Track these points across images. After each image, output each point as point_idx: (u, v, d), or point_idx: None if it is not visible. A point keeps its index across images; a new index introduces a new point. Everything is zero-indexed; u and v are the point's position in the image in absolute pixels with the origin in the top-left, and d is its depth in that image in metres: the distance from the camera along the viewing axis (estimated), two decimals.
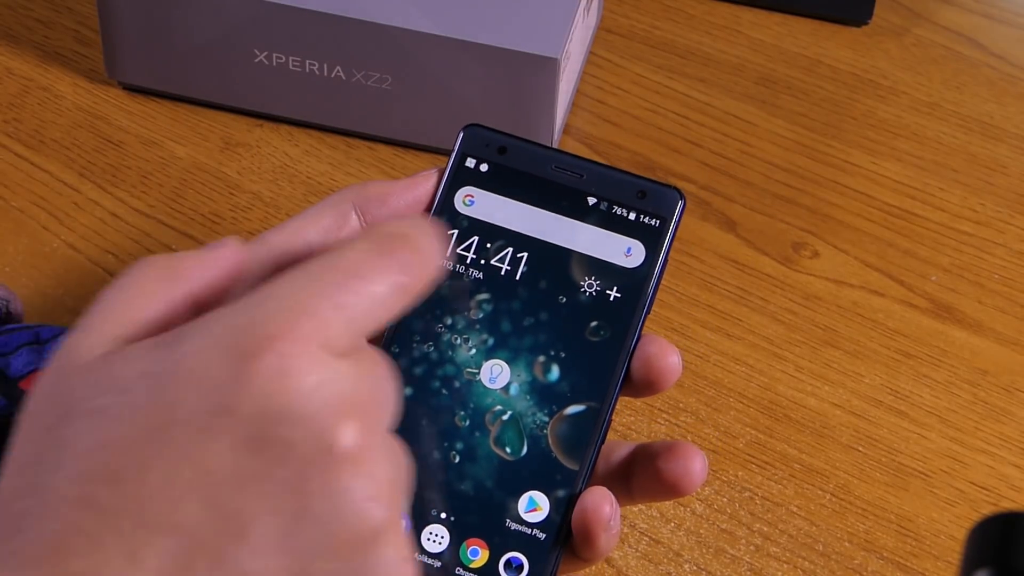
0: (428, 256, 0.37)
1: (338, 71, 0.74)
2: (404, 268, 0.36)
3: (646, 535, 0.60)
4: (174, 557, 0.32)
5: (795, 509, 0.62)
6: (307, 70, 0.75)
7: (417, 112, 0.75)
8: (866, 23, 0.87)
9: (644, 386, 0.44)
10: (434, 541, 0.43)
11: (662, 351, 0.44)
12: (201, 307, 0.37)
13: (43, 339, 0.51)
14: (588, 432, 0.43)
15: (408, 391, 0.44)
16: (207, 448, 0.33)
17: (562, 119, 0.76)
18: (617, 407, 0.44)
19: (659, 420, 0.65)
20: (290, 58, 0.74)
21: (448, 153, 0.46)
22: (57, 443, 0.34)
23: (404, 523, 0.36)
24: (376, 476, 0.34)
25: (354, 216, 0.44)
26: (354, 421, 0.34)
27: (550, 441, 0.43)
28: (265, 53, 0.75)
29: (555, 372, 0.43)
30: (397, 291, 0.36)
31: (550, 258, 0.44)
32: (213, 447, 0.33)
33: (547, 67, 0.71)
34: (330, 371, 0.34)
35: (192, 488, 0.33)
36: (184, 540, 0.33)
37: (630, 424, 0.64)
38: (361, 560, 0.34)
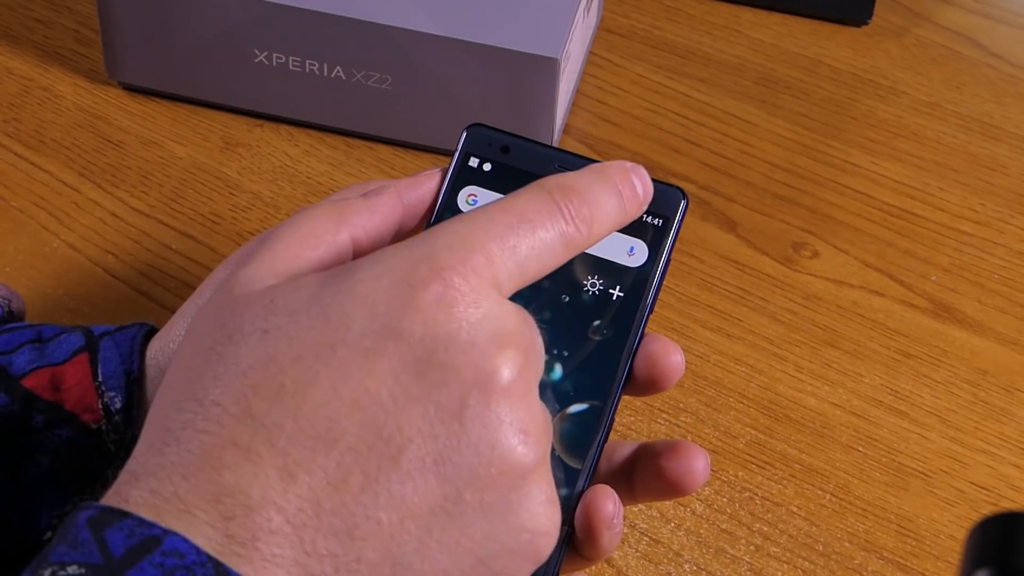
0: (599, 208, 0.38)
1: (338, 71, 0.74)
2: (571, 219, 0.37)
3: (646, 535, 0.60)
4: (326, 474, 0.33)
5: (795, 509, 0.62)
6: (307, 70, 0.75)
7: (417, 112, 0.75)
8: (866, 23, 0.87)
9: (647, 385, 0.44)
10: None
11: (665, 350, 0.44)
12: (361, 252, 0.38)
13: (45, 338, 0.51)
14: (591, 431, 0.43)
15: None
16: (372, 369, 0.34)
17: (562, 119, 0.76)
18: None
19: (659, 420, 0.65)
20: (290, 58, 0.74)
21: (449, 152, 0.46)
22: (221, 360, 0.34)
23: (550, 469, 0.36)
24: (531, 414, 0.35)
25: None
26: (516, 357, 0.35)
27: (553, 440, 0.43)
28: (265, 53, 0.75)
29: (558, 371, 0.43)
30: (564, 240, 0.37)
31: None
32: (377, 368, 0.34)
33: (547, 67, 0.71)
34: (497, 307, 0.35)
35: (353, 407, 0.33)
36: (338, 458, 0.33)
37: (630, 424, 0.65)
38: (509, 495, 0.35)
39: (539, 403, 0.36)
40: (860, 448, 0.64)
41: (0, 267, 0.70)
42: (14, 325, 0.57)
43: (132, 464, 0.34)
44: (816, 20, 0.87)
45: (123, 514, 0.32)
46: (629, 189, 0.40)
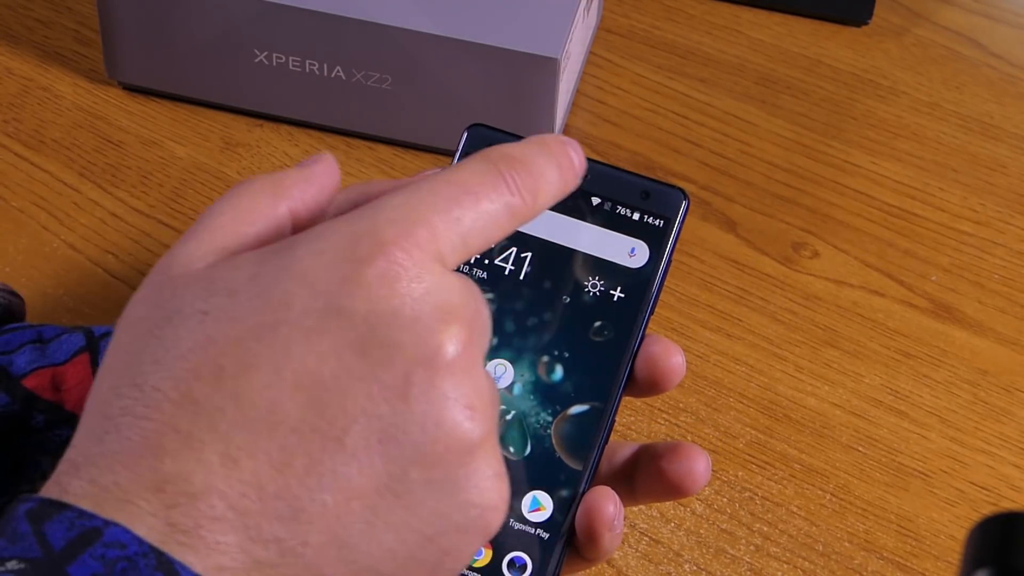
0: (543, 178, 0.37)
1: (338, 71, 0.74)
2: (516, 190, 0.37)
3: (646, 535, 0.60)
4: (270, 458, 0.32)
5: (795, 509, 0.62)
6: (307, 70, 0.75)
7: (417, 112, 0.75)
8: (866, 23, 0.87)
9: (648, 386, 0.44)
10: None
11: (666, 351, 0.44)
12: (300, 225, 0.37)
13: (46, 338, 0.51)
14: (592, 432, 0.43)
15: None
16: (313, 348, 0.33)
17: (562, 119, 0.76)
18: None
19: (659, 420, 0.65)
20: (290, 58, 0.74)
21: (449, 152, 0.46)
22: (160, 343, 0.33)
23: (498, 444, 0.36)
24: (477, 389, 0.34)
25: None
26: (460, 330, 0.34)
27: (554, 441, 0.43)
28: (265, 53, 0.75)
29: (559, 372, 0.43)
30: (509, 210, 0.36)
31: (554, 258, 0.44)
32: (320, 347, 0.33)
33: (547, 67, 0.71)
34: (442, 280, 0.34)
35: (295, 388, 0.33)
36: (281, 441, 0.32)
37: (630, 424, 0.65)
38: (456, 471, 0.34)
39: (485, 376, 0.35)
40: (860, 448, 0.64)
41: (0, 267, 0.70)
42: (15, 325, 0.57)
43: (72, 453, 0.33)
44: (816, 20, 0.87)
45: (63, 506, 0.31)
46: (567, 160, 0.38)
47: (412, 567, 0.34)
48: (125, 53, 0.77)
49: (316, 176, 0.38)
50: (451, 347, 0.34)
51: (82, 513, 0.31)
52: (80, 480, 0.32)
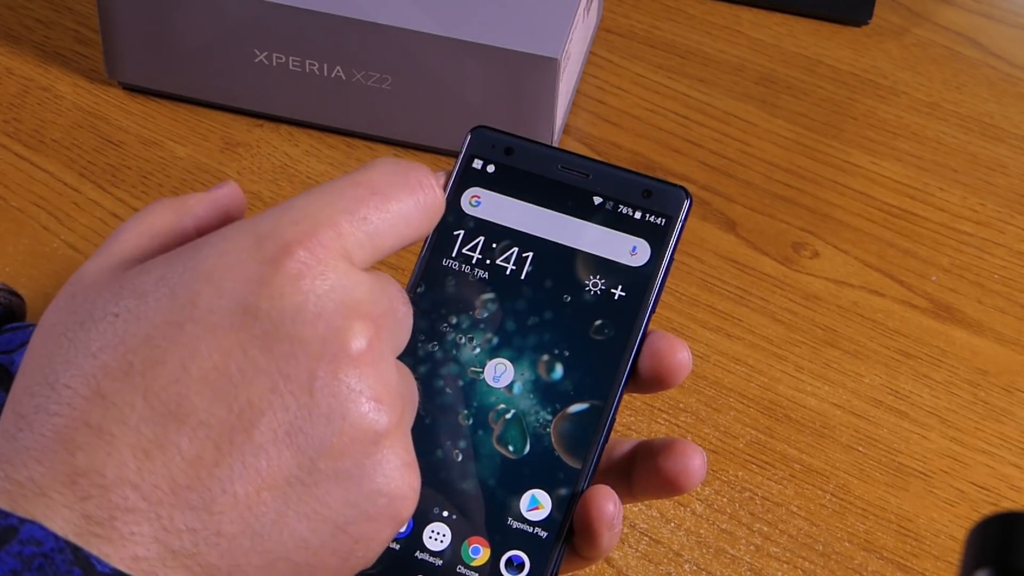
0: (440, 188, 0.39)
1: (338, 71, 0.74)
2: (421, 191, 0.38)
3: (646, 535, 0.60)
4: (180, 451, 0.33)
5: (795, 509, 0.62)
6: (307, 70, 0.75)
7: (417, 112, 0.75)
8: (866, 23, 0.87)
9: (653, 382, 0.44)
10: (436, 539, 0.43)
11: (671, 347, 0.44)
12: None
13: None
14: (591, 431, 0.43)
15: None
16: (219, 344, 0.34)
17: (562, 119, 0.76)
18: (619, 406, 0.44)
19: (659, 420, 0.65)
20: (290, 58, 0.74)
21: (449, 152, 0.47)
22: (72, 344, 0.34)
23: (408, 434, 0.37)
24: (383, 381, 0.35)
25: None
26: (366, 326, 0.35)
27: (553, 440, 0.43)
28: (265, 53, 0.75)
29: (559, 371, 0.43)
30: (419, 209, 0.38)
31: (555, 257, 0.44)
32: (225, 343, 0.34)
33: (547, 67, 0.71)
34: (346, 278, 0.35)
35: (202, 383, 0.33)
36: (190, 434, 0.33)
37: (630, 424, 0.65)
38: (363, 460, 0.35)
39: (395, 370, 0.36)
40: (860, 448, 0.64)
41: (0, 267, 0.70)
42: (15, 325, 0.57)
43: None
44: (816, 20, 0.87)
45: None
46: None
47: (325, 556, 0.35)
48: (125, 53, 0.77)
49: (220, 198, 0.40)
50: (356, 342, 0.35)
51: None
52: None
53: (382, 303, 0.36)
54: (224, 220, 0.39)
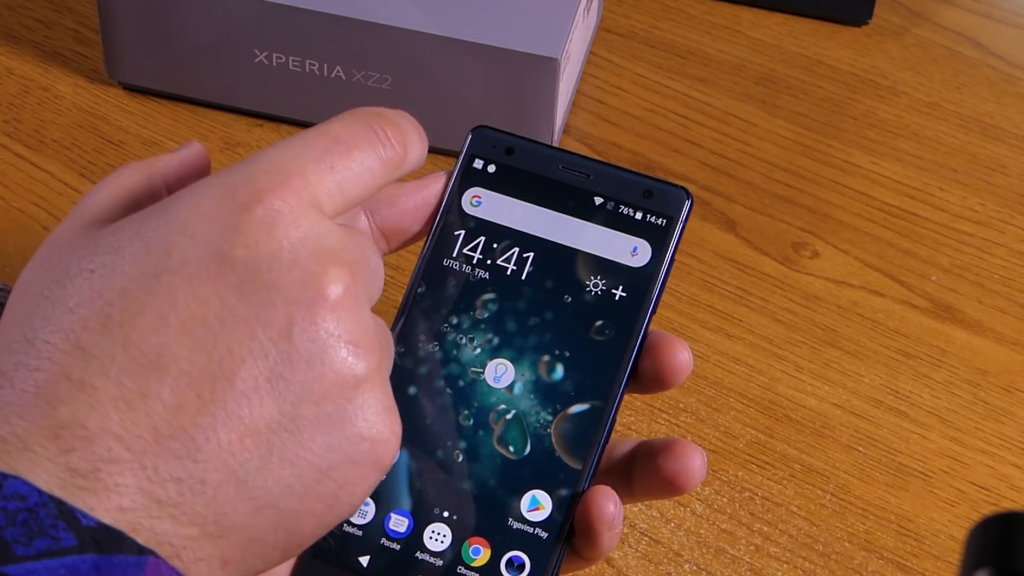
0: (409, 135, 0.40)
1: (338, 71, 0.74)
2: (387, 140, 0.38)
3: (646, 535, 0.60)
4: (162, 400, 0.33)
5: (795, 509, 0.62)
6: (307, 70, 0.75)
7: (417, 112, 0.74)
8: (866, 23, 0.87)
9: (654, 383, 0.44)
10: (436, 540, 0.43)
11: (672, 348, 0.44)
12: None
13: None
14: (592, 431, 0.43)
15: (412, 390, 0.44)
16: (197, 293, 0.34)
17: (562, 119, 0.76)
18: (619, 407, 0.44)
19: (659, 420, 0.65)
20: (290, 58, 0.74)
21: (449, 153, 0.47)
22: (49, 301, 0.35)
23: (387, 380, 0.37)
24: (361, 327, 0.36)
25: (363, 218, 0.44)
26: (341, 272, 0.35)
27: (553, 440, 0.43)
28: (265, 53, 0.75)
29: (559, 371, 0.43)
30: (381, 161, 0.38)
31: (556, 258, 0.44)
32: (203, 292, 0.34)
33: (547, 67, 0.71)
34: (319, 225, 0.36)
35: (181, 332, 0.34)
36: (172, 383, 0.33)
37: (630, 424, 0.65)
38: (344, 405, 0.35)
39: (371, 317, 0.37)
40: (860, 448, 0.64)
41: (0, 267, 0.70)
42: None
43: None
44: (816, 20, 0.87)
45: None
46: (422, 130, 0.41)
47: (310, 501, 0.35)
48: (125, 53, 0.77)
49: (187, 157, 0.41)
50: (333, 288, 0.35)
51: None
52: None
53: (355, 251, 0.36)
54: (193, 179, 0.40)
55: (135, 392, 0.33)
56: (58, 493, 0.32)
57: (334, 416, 0.35)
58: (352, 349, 0.35)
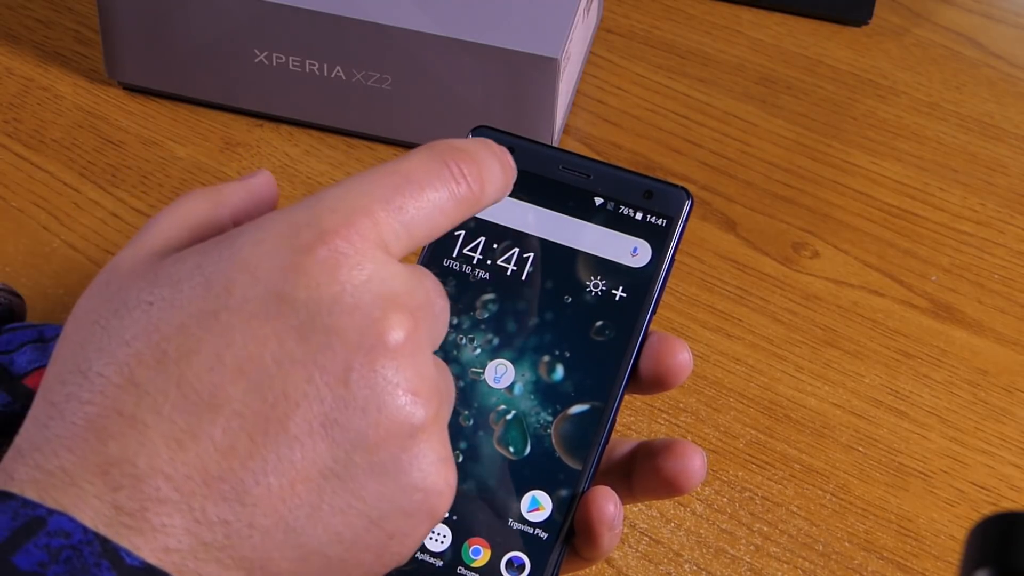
0: (488, 169, 0.38)
1: (338, 71, 0.74)
2: (462, 178, 0.37)
3: (646, 535, 0.60)
4: (213, 441, 0.33)
5: (795, 509, 0.62)
6: (307, 70, 0.75)
7: (417, 112, 0.75)
8: (866, 23, 0.87)
9: (654, 384, 0.44)
10: (436, 540, 0.43)
11: (672, 348, 0.44)
12: None
13: (47, 337, 0.51)
14: (592, 432, 0.43)
15: None
16: (255, 333, 0.33)
17: (562, 119, 0.77)
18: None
19: (659, 420, 0.65)
20: (290, 58, 0.74)
21: None
22: (106, 332, 0.34)
23: (445, 429, 0.36)
24: (420, 374, 0.35)
25: None
26: (403, 318, 0.34)
27: (553, 441, 0.43)
28: (265, 53, 0.75)
29: (559, 372, 0.43)
30: (455, 199, 0.37)
31: (556, 258, 0.44)
32: (261, 332, 0.33)
33: (547, 67, 0.71)
34: (384, 268, 0.35)
35: (237, 372, 0.33)
36: (224, 424, 0.33)
37: (630, 424, 0.65)
38: (400, 455, 0.34)
39: (433, 363, 0.36)
40: (860, 448, 0.64)
41: (0, 267, 0.70)
42: (16, 325, 0.57)
43: (18, 440, 0.34)
44: (816, 20, 0.87)
45: (7, 495, 0.32)
46: (507, 159, 0.39)
47: (359, 551, 0.35)
48: (125, 53, 0.77)
49: (255, 187, 0.39)
50: (393, 334, 0.34)
51: (26, 502, 0.32)
52: (25, 466, 0.33)
53: (419, 295, 0.35)
54: (259, 209, 0.39)
55: (186, 431, 0.33)
56: (103, 531, 0.31)
57: (388, 465, 0.34)
58: (410, 397, 0.34)
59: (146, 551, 0.32)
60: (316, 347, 0.33)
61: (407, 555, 0.36)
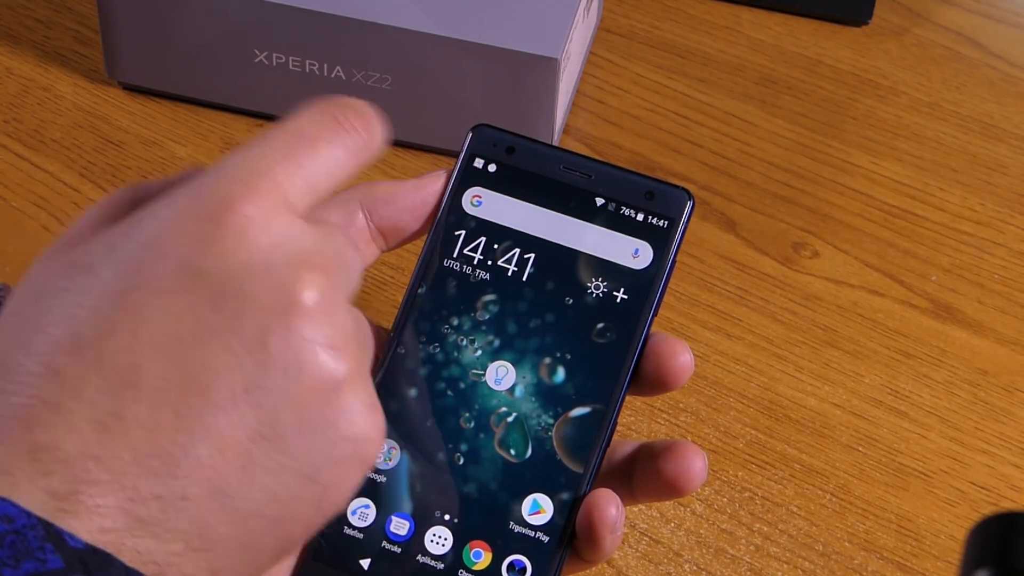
0: (372, 118, 0.39)
1: (338, 71, 0.74)
2: (352, 128, 0.38)
3: (646, 535, 0.61)
4: (138, 419, 0.33)
5: (795, 509, 0.62)
6: (307, 70, 0.75)
7: (417, 112, 0.75)
8: (866, 23, 0.87)
9: (656, 385, 0.44)
10: (437, 543, 0.43)
11: (673, 350, 0.44)
12: None
13: None
14: (593, 434, 0.43)
15: (413, 392, 0.44)
16: (169, 308, 0.34)
17: (562, 119, 0.76)
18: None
19: (659, 420, 0.65)
20: (290, 58, 0.74)
21: (449, 153, 0.46)
22: (25, 322, 0.34)
23: (368, 377, 0.37)
24: (338, 328, 0.35)
25: (361, 216, 0.44)
26: (315, 277, 0.35)
27: (555, 443, 0.43)
28: (265, 53, 0.74)
29: (561, 374, 0.43)
30: (348, 150, 0.38)
31: (557, 259, 0.44)
32: (175, 307, 0.34)
33: (547, 67, 0.71)
34: (291, 229, 0.35)
35: (155, 349, 0.33)
36: (148, 401, 0.33)
37: (630, 424, 0.65)
38: (326, 408, 0.35)
39: (349, 316, 0.36)
40: (860, 448, 0.64)
41: (0, 267, 0.70)
42: None
43: None
44: (816, 20, 0.87)
45: None
46: (380, 116, 0.40)
47: (296, 506, 0.35)
48: (125, 53, 0.77)
49: (174, 179, 0.39)
50: (307, 293, 0.34)
51: None
52: None
53: (329, 251, 0.36)
54: None
55: (111, 413, 0.33)
56: (45, 517, 0.32)
57: (315, 421, 0.35)
58: (330, 353, 0.35)
59: (83, 533, 0.32)
60: (231, 315, 0.34)
61: (344, 503, 0.36)
